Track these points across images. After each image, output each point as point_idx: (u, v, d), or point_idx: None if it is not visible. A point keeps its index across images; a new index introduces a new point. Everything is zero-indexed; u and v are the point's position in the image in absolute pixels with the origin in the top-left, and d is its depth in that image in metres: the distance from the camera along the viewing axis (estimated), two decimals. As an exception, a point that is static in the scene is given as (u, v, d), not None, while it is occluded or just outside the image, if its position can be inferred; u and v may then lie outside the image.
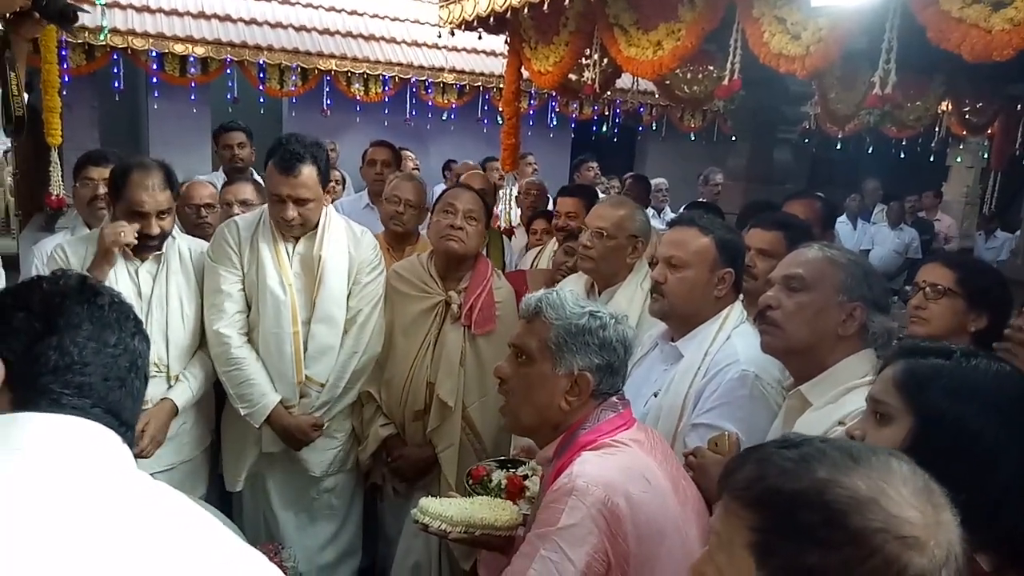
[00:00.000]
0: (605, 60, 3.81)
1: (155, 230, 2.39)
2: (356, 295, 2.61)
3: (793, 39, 2.54)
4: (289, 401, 2.54)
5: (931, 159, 7.66)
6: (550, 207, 4.68)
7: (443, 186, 6.80)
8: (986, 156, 7.45)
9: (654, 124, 9.14)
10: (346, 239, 2.61)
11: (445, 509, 1.66)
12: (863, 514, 0.73)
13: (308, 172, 2.37)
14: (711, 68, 4.57)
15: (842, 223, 7.44)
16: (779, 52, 2.59)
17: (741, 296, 2.44)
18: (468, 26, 4.21)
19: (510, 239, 4.26)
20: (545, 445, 1.60)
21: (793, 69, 2.56)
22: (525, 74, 4.36)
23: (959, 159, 8.68)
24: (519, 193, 4.69)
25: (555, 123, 8.71)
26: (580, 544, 1.34)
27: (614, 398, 1.56)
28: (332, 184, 5.42)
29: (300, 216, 2.43)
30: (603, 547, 1.35)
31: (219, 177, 4.57)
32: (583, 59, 3.87)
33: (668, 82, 4.61)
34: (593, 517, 1.34)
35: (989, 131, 6.39)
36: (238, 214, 3.06)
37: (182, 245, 2.57)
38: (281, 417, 2.52)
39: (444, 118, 8.41)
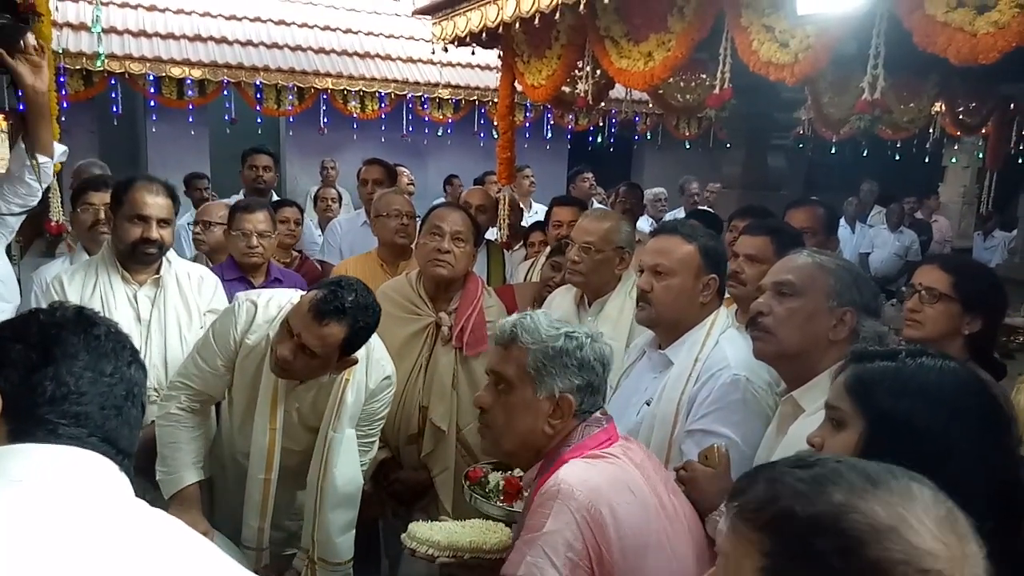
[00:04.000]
0: (598, 72, 3.84)
1: (155, 235, 2.40)
2: (364, 419, 2.31)
3: (782, 47, 2.56)
4: (249, 542, 2.24)
5: (926, 160, 7.67)
6: (529, 220, 4.69)
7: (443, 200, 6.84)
8: (981, 156, 7.46)
9: (648, 134, 9.17)
10: (364, 392, 2.26)
11: (433, 534, 1.67)
12: (882, 544, 0.68)
13: (334, 331, 1.98)
14: (704, 76, 4.58)
15: (841, 227, 7.44)
16: (768, 60, 2.61)
17: (735, 307, 2.46)
18: (461, 42, 4.24)
19: (509, 252, 4.27)
20: (528, 467, 1.60)
21: (783, 77, 2.57)
22: (519, 87, 4.38)
23: (954, 160, 8.70)
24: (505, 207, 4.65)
25: (551, 135, 8.75)
26: (565, 549, 1.34)
27: (597, 414, 1.56)
28: (328, 202, 5.48)
29: (297, 368, 2.06)
30: (586, 553, 1.35)
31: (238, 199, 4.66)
32: (576, 71, 3.90)
33: (661, 91, 4.63)
34: (578, 522, 1.34)
35: (984, 131, 6.40)
36: (257, 246, 3.07)
37: (180, 270, 2.58)
38: (190, 502, 2.16)
39: (440, 133, 8.46)
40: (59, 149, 2.75)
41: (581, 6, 3.03)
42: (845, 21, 2.34)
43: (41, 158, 2.57)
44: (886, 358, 1.20)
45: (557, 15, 3.29)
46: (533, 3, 3.31)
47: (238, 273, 3.13)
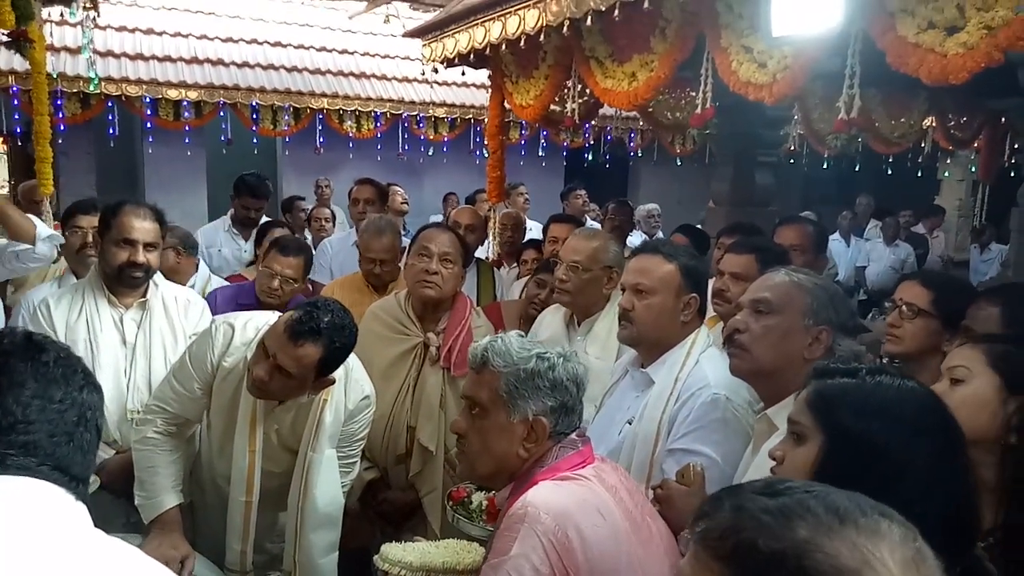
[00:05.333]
0: (586, 91, 3.88)
1: (141, 258, 2.42)
2: (345, 440, 2.29)
3: (760, 67, 2.59)
4: (232, 566, 2.20)
5: (919, 174, 7.69)
6: (528, 237, 4.71)
7: (440, 217, 6.86)
8: (974, 169, 7.48)
9: (640, 151, 9.20)
10: (343, 412, 2.24)
11: (405, 555, 1.67)
12: None
13: (310, 351, 1.96)
14: (693, 94, 4.62)
15: (835, 241, 7.48)
16: (747, 80, 2.64)
17: (721, 324, 2.47)
18: (450, 63, 4.28)
19: (499, 270, 4.28)
20: (503, 487, 1.61)
21: (762, 97, 2.60)
22: (509, 107, 4.42)
23: (947, 173, 8.73)
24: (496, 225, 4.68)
25: (546, 152, 8.79)
26: (532, 574, 1.33)
27: (573, 435, 1.55)
28: (322, 222, 5.52)
29: (274, 389, 2.05)
30: None
31: (225, 222, 4.70)
32: (564, 91, 3.94)
33: (651, 109, 4.67)
34: (544, 546, 1.34)
35: (976, 144, 6.42)
36: (278, 289, 3.05)
37: (166, 293, 2.59)
38: (171, 525, 2.12)
39: (432, 152, 8.49)
40: (43, 231, 2.76)
41: (565, 28, 3.06)
42: (821, 42, 2.36)
43: (21, 244, 2.60)
44: (846, 375, 1.22)
45: (543, 36, 3.34)
46: (519, 25, 3.35)
47: (252, 301, 3.08)
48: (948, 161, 8.44)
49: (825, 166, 8.12)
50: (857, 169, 7.45)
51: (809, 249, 3.12)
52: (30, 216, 2.88)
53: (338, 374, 2.15)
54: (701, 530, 0.76)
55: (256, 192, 4.59)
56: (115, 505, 2.33)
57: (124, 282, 2.47)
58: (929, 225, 8.56)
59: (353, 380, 2.26)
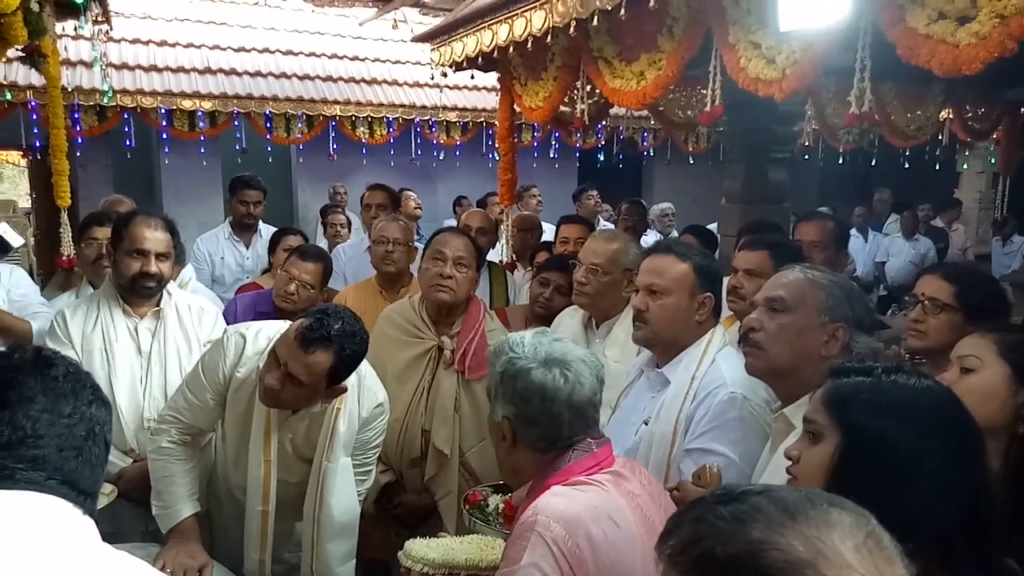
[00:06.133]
0: (596, 92, 3.87)
1: (153, 268, 2.44)
2: (359, 448, 2.29)
3: (769, 63, 2.56)
4: (252, 575, 2.22)
5: (936, 167, 7.58)
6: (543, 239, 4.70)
7: (454, 222, 6.87)
8: (994, 161, 7.38)
9: (653, 151, 9.16)
10: (356, 421, 2.25)
11: (428, 551, 1.67)
12: None
13: (321, 359, 1.96)
14: (704, 92, 4.59)
15: (852, 236, 7.38)
16: (756, 76, 2.61)
17: (737, 323, 2.45)
18: (459, 67, 4.29)
19: (512, 273, 4.28)
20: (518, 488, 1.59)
21: (771, 92, 2.57)
22: (519, 109, 4.42)
23: (966, 166, 8.62)
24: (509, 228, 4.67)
25: (559, 154, 8.78)
26: None
27: (589, 439, 1.51)
28: (337, 228, 5.54)
29: (285, 398, 2.04)
30: None
31: (224, 229, 4.72)
32: (573, 92, 3.93)
33: (662, 108, 4.65)
34: (555, 555, 1.32)
35: (995, 136, 6.34)
36: (294, 293, 3.04)
37: (180, 302, 2.61)
38: (188, 534, 2.12)
39: (442, 156, 8.49)
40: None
41: (572, 29, 3.05)
42: (830, 35, 2.34)
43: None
44: (862, 373, 1.21)
45: (550, 38, 3.33)
46: (525, 27, 3.35)
47: (271, 309, 3.09)
48: (967, 153, 8.33)
49: (841, 161, 8.03)
50: (874, 163, 7.37)
51: (830, 245, 3.09)
52: (29, 324, 2.84)
53: (351, 382, 2.14)
54: (667, 548, 0.76)
55: (251, 184, 4.56)
56: (133, 514, 2.35)
57: (137, 292, 2.50)
58: (947, 219, 8.47)
59: (366, 388, 2.25)
